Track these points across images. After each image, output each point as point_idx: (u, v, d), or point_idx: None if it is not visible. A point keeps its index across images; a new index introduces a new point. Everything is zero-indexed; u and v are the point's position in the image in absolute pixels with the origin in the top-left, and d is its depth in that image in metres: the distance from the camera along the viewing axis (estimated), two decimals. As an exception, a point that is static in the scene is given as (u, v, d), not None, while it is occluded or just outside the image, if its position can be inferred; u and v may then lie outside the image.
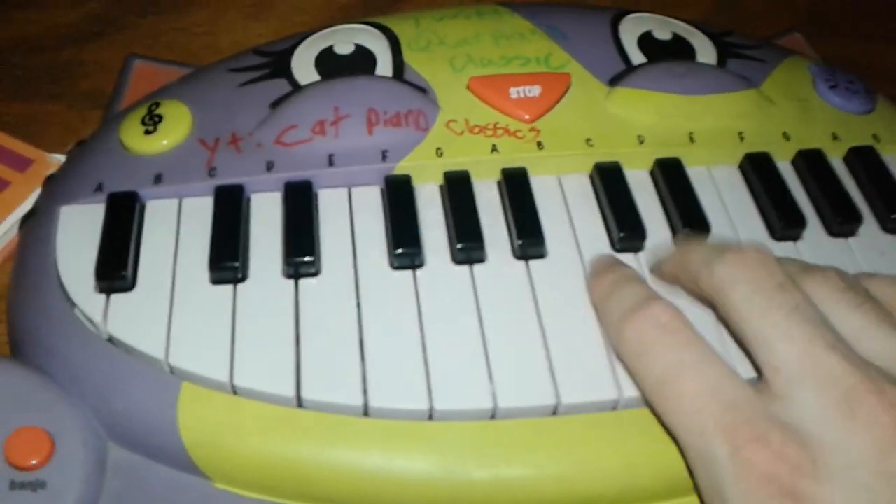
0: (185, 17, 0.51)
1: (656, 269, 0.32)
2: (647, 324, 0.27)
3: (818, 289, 0.27)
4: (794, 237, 0.35)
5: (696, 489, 0.26)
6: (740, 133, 0.37)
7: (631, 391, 0.30)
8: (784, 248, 0.34)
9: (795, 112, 0.39)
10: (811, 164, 0.37)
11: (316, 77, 0.38)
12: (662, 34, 0.42)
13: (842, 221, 0.35)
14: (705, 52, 0.41)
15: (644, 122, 0.37)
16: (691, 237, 0.31)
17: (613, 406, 0.30)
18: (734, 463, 0.24)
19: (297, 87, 0.38)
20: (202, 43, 0.50)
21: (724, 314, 0.27)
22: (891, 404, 0.23)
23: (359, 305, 0.31)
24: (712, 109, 0.38)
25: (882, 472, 0.23)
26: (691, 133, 0.37)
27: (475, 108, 0.37)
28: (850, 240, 0.35)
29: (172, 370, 0.30)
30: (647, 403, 0.27)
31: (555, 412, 0.30)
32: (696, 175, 0.36)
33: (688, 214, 0.34)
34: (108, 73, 0.46)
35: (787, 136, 0.38)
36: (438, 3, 0.46)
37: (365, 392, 0.29)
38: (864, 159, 0.37)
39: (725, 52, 0.42)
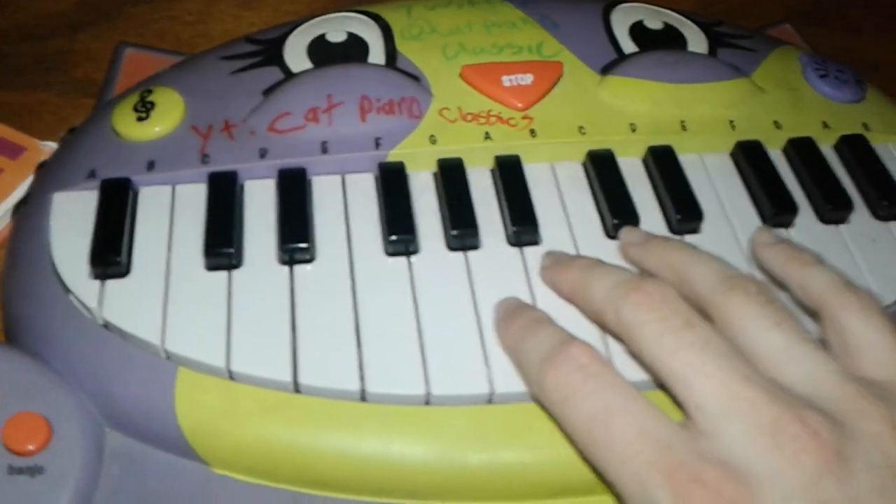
0: (176, 6, 0.51)
1: (550, 277, 0.32)
2: (567, 368, 0.26)
3: (735, 307, 0.27)
4: (786, 224, 0.35)
5: None
6: (731, 121, 0.38)
7: (628, 375, 0.30)
8: (775, 235, 0.35)
9: (786, 101, 0.39)
10: (802, 152, 0.37)
11: (308, 65, 0.38)
12: (654, 24, 0.42)
13: (833, 209, 0.35)
14: (696, 41, 0.42)
15: (636, 110, 0.38)
16: (593, 260, 0.31)
17: (608, 390, 0.30)
18: None
19: (289, 75, 0.38)
20: (193, 31, 0.50)
21: (635, 353, 0.27)
22: (814, 432, 0.23)
23: (354, 291, 0.31)
24: (704, 98, 0.38)
25: (817, 499, 0.23)
26: (683, 121, 0.37)
27: (468, 96, 0.37)
28: (842, 227, 0.35)
29: (169, 355, 0.30)
30: (577, 449, 0.27)
31: (550, 396, 0.30)
32: (689, 163, 0.36)
33: (680, 201, 0.34)
34: (99, 62, 0.46)
35: (778, 125, 0.38)
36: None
37: (362, 377, 0.29)
38: (854, 147, 0.38)
39: (716, 42, 0.42)
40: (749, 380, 0.25)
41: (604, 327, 0.29)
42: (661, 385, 0.27)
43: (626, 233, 0.33)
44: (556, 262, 0.32)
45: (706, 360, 0.25)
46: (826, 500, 0.23)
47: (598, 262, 0.30)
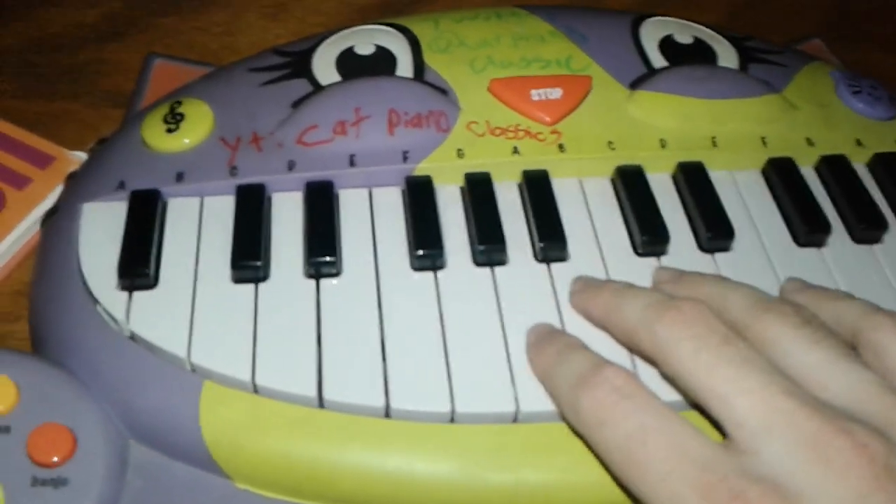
0: (204, 17, 0.51)
1: (581, 303, 0.31)
2: (602, 391, 0.26)
3: (772, 327, 0.27)
4: (819, 243, 0.34)
5: None
6: (763, 138, 0.37)
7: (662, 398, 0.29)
8: (808, 255, 0.34)
9: (818, 117, 0.39)
10: (835, 169, 0.37)
11: (337, 77, 0.38)
12: (684, 38, 0.42)
13: (866, 227, 0.35)
14: (727, 56, 0.41)
15: (666, 125, 0.37)
16: (625, 284, 0.30)
17: (636, 410, 0.30)
18: None
19: (318, 87, 0.38)
20: (221, 43, 0.50)
21: (670, 374, 0.27)
22: (861, 445, 0.23)
23: (380, 306, 0.31)
24: (735, 114, 0.38)
25: None
26: (714, 137, 0.37)
27: (496, 110, 0.37)
28: (875, 246, 0.35)
29: (194, 368, 0.30)
30: (614, 476, 0.26)
31: (577, 416, 0.29)
32: (719, 179, 0.36)
33: (711, 219, 0.34)
34: (128, 73, 0.46)
35: (810, 142, 0.38)
36: (455, 5, 0.46)
37: (386, 393, 0.29)
38: (888, 165, 0.37)
39: (747, 57, 0.41)
40: (790, 393, 0.24)
41: (636, 350, 0.29)
42: (698, 406, 0.26)
43: (657, 273, 0.33)
44: (586, 287, 0.31)
45: (745, 376, 0.25)
46: None
47: (630, 285, 0.30)
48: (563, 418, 0.28)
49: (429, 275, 0.32)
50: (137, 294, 0.31)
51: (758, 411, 0.24)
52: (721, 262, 0.33)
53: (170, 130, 0.36)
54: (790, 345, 0.26)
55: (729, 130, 0.37)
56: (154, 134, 0.36)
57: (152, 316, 0.30)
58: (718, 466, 0.23)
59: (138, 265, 0.31)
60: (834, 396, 0.25)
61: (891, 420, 0.24)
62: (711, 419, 0.26)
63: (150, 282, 0.31)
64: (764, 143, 0.37)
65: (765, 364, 0.25)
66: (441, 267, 0.33)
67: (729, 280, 0.30)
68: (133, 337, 0.30)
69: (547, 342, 0.29)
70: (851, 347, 0.27)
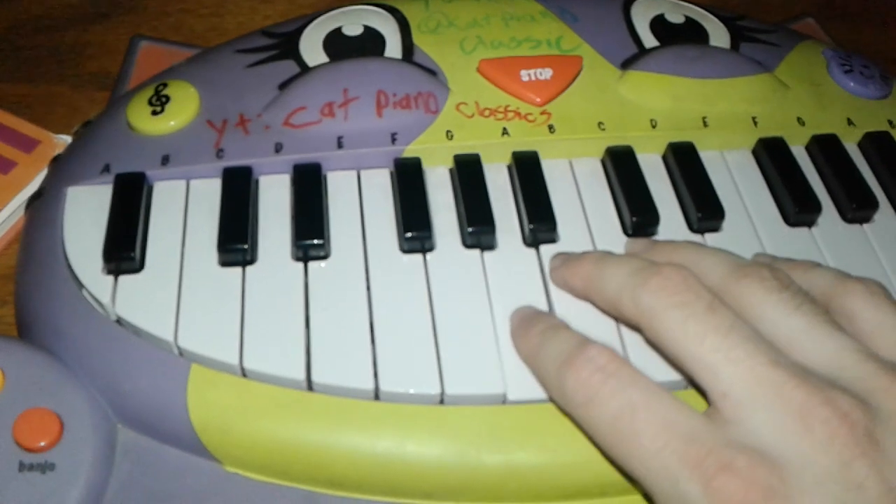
0: (191, -1, 0.50)
1: (561, 276, 0.31)
2: (587, 370, 0.26)
3: (753, 292, 0.27)
4: (809, 223, 0.34)
5: None
6: (754, 117, 0.37)
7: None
8: (798, 234, 0.34)
9: (810, 97, 0.39)
10: (826, 149, 0.37)
11: (324, 58, 0.38)
12: (675, 17, 0.41)
13: (857, 207, 0.34)
14: (718, 35, 0.41)
15: (657, 105, 0.37)
16: (604, 252, 0.30)
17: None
18: (708, 496, 0.23)
19: (305, 69, 0.37)
20: (208, 24, 0.49)
21: (654, 340, 0.27)
22: (844, 414, 0.23)
23: (369, 289, 0.31)
24: (726, 93, 0.37)
25: (850, 481, 0.22)
26: (704, 117, 0.37)
27: (486, 91, 0.37)
28: (866, 226, 0.34)
29: (181, 352, 0.29)
30: (604, 453, 0.26)
31: (566, 397, 0.29)
32: (710, 159, 0.36)
33: (701, 199, 0.34)
34: (113, 55, 0.46)
35: (801, 121, 0.37)
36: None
37: (375, 376, 0.29)
38: (879, 145, 0.37)
39: (739, 36, 0.41)
40: (776, 364, 0.24)
41: (621, 318, 0.29)
42: (683, 372, 0.26)
43: (630, 243, 0.32)
44: (565, 261, 0.31)
45: (732, 345, 0.25)
46: (859, 481, 0.22)
47: (609, 254, 0.30)
48: (551, 399, 0.28)
49: (418, 257, 0.32)
50: (123, 278, 0.31)
51: (744, 381, 0.24)
52: (711, 243, 0.33)
53: (155, 113, 0.35)
54: (770, 310, 0.26)
55: (720, 110, 0.37)
56: (139, 117, 0.35)
57: (138, 300, 0.30)
58: (705, 438, 0.24)
59: (123, 249, 0.31)
60: (814, 363, 0.25)
61: (871, 387, 0.24)
62: (696, 386, 0.26)
63: (135, 265, 0.31)
64: (755, 122, 0.37)
65: (750, 332, 0.25)
66: (430, 249, 0.32)
67: (703, 245, 0.30)
68: (119, 321, 0.30)
69: (530, 324, 0.29)
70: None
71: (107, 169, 0.34)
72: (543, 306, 0.31)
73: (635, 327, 0.28)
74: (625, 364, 0.26)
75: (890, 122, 0.38)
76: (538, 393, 0.29)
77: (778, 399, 0.24)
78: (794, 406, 0.23)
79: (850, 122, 0.38)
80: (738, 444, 0.24)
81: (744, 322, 0.25)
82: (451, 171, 0.35)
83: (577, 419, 0.27)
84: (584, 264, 0.30)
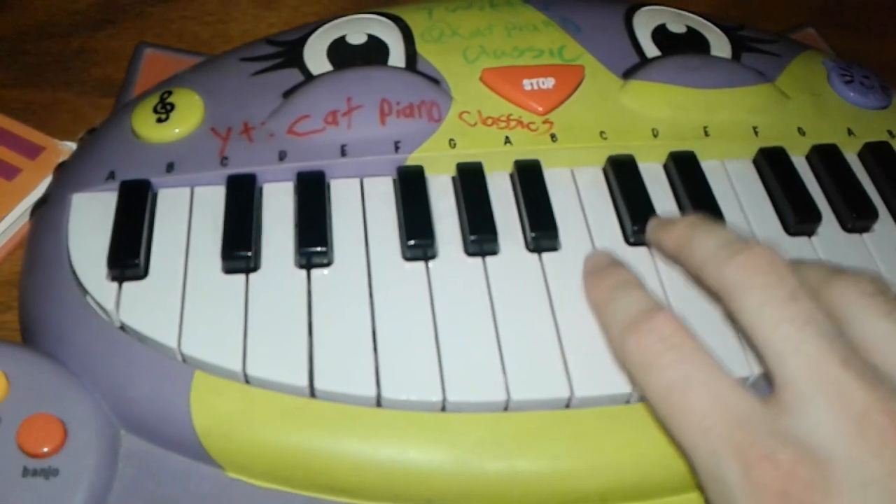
0: (195, 6, 0.51)
1: (656, 237, 0.31)
2: (650, 338, 0.26)
3: (845, 292, 0.26)
4: (809, 232, 0.34)
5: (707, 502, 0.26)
6: (755, 127, 0.37)
7: None
8: (798, 244, 0.34)
9: (810, 107, 0.39)
10: (826, 159, 0.37)
11: (328, 67, 0.38)
12: (676, 27, 0.42)
13: (857, 217, 0.35)
14: (719, 45, 0.41)
15: (658, 115, 0.37)
16: (701, 218, 0.30)
17: (626, 399, 0.30)
18: (745, 483, 0.23)
19: (309, 77, 0.38)
20: (213, 31, 0.50)
21: (732, 314, 0.27)
22: None
23: (371, 296, 0.31)
24: (727, 103, 0.37)
25: (892, 491, 0.22)
26: (706, 127, 0.37)
27: (488, 100, 0.37)
28: (865, 236, 0.35)
29: (185, 359, 0.30)
30: (654, 414, 0.27)
31: (568, 405, 0.30)
32: (710, 169, 0.36)
33: (702, 208, 0.34)
34: (118, 61, 0.46)
35: (801, 131, 0.38)
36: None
37: (378, 383, 0.29)
38: (879, 155, 0.37)
39: (740, 46, 0.41)
40: (846, 364, 0.24)
41: (703, 285, 0.29)
42: (754, 350, 0.26)
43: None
44: (662, 223, 0.31)
45: (805, 338, 0.25)
46: None
47: (706, 220, 0.30)
48: (611, 351, 0.29)
49: (420, 265, 0.32)
50: (127, 284, 0.31)
51: (808, 375, 0.24)
52: (712, 252, 0.33)
53: (160, 120, 0.35)
54: (860, 312, 0.26)
55: (721, 120, 0.37)
56: (144, 124, 0.35)
57: (142, 306, 0.30)
58: (755, 424, 0.24)
59: (128, 255, 0.31)
60: (893, 370, 0.25)
61: None
62: (764, 368, 0.26)
63: (139, 272, 0.31)
64: (756, 132, 0.37)
65: (828, 328, 0.25)
66: (432, 257, 0.33)
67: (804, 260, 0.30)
68: (123, 327, 0.30)
69: (604, 275, 0.30)
70: None
71: (112, 176, 0.34)
72: (546, 314, 0.31)
73: (716, 298, 0.28)
74: (689, 338, 0.26)
75: (890, 133, 0.38)
76: (540, 393, 0.29)
77: (839, 399, 0.24)
78: (854, 409, 0.23)
79: (850, 132, 0.38)
80: (787, 435, 0.24)
81: (825, 317, 0.25)
82: (453, 179, 0.35)
83: (633, 380, 0.27)
84: (677, 227, 0.30)
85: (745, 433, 0.24)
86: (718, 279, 0.27)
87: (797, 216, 0.34)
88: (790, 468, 0.23)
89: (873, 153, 0.37)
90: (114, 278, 0.31)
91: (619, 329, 0.27)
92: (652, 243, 0.32)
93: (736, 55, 0.41)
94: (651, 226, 0.32)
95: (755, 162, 0.37)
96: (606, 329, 0.29)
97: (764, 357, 0.25)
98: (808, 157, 0.37)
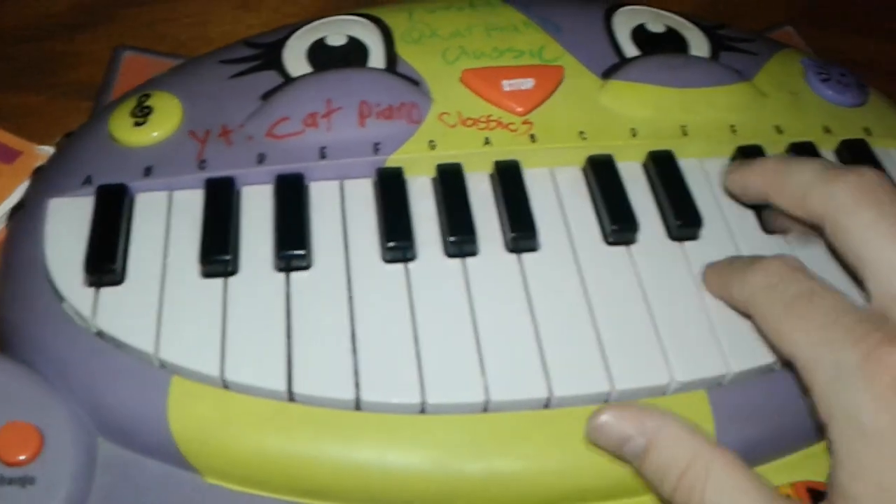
0: (175, 8, 0.50)
1: (741, 177, 0.32)
2: (774, 266, 0.27)
3: None
4: (785, 231, 0.34)
5: (814, 412, 0.26)
6: (732, 126, 0.37)
7: (622, 384, 0.30)
8: (776, 242, 0.34)
9: (787, 105, 0.39)
10: (803, 156, 0.37)
11: (308, 69, 0.38)
12: (656, 27, 0.42)
13: (834, 215, 0.35)
14: (698, 44, 0.41)
15: (637, 114, 0.37)
16: (781, 156, 0.31)
17: (605, 399, 0.30)
18: (867, 364, 0.24)
19: (288, 79, 0.37)
20: (192, 34, 0.49)
21: (836, 237, 0.27)
22: None
23: (350, 299, 0.31)
24: (705, 102, 0.38)
25: None
26: (684, 126, 0.37)
27: (468, 101, 0.37)
28: (842, 233, 0.35)
29: (162, 364, 0.29)
30: (769, 336, 0.27)
31: (547, 405, 0.30)
32: (689, 168, 0.36)
33: (679, 207, 0.34)
34: (97, 65, 0.46)
35: (779, 129, 0.38)
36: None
37: (357, 386, 0.29)
38: (855, 152, 0.37)
39: (718, 45, 0.41)
40: None
41: (803, 214, 0.29)
42: (854, 272, 0.27)
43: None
44: (744, 163, 0.32)
45: None
46: None
47: (793, 157, 0.30)
48: (733, 295, 0.29)
49: (400, 267, 0.32)
50: (104, 290, 0.31)
51: None
52: (689, 251, 0.33)
53: (137, 124, 0.35)
54: None
55: (699, 119, 0.37)
56: (121, 128, 0.35)
57: (119, 312, 0.30)
58: (877, 321, 0.25)
59: (105, 261, 0.31)
60: None
61: None
62: (865, 285, 0.26)
63: (116, 277, 0.31)
64: (734, 131, 0.37)
65: None
66: (412, 259, 0.33)
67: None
68: (100, 333, 0.30)
69: (720, 263, 0.31)
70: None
71: (88, 181, 0.34)
72: (525, 314, 0.31)
73: (817, 225, 0.28)
74: (810, 271, 0.27)
75: (866, 130, 0.39)
76: (519, 393, 0.29)
77: None
78: None
79: (826, 129, 0.38)
80: None
81: None
82: (433, 180, 0.35)
83: (755, 305, 0.28)
84: (767, 163, 0.31)
85: (864, 326, 0.24)
86: (825, 201, 0.27)
87: (773, 214, 0.34)
88: None
89: (850, 150, 0.38)
90: (90, 284, 0.31)
91: (743, 268, 0.28)
92: (734, 185, 0.32)
93: (714, 54, 0.41)
94: (731, 169, 0.32)
95: (733, 160, 0.37)
96: (728, 280, 0.30)
97: (871, 274, 0.26)
98: (786, 156, 0.38)
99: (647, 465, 0.26)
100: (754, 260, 0.28)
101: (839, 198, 0.27)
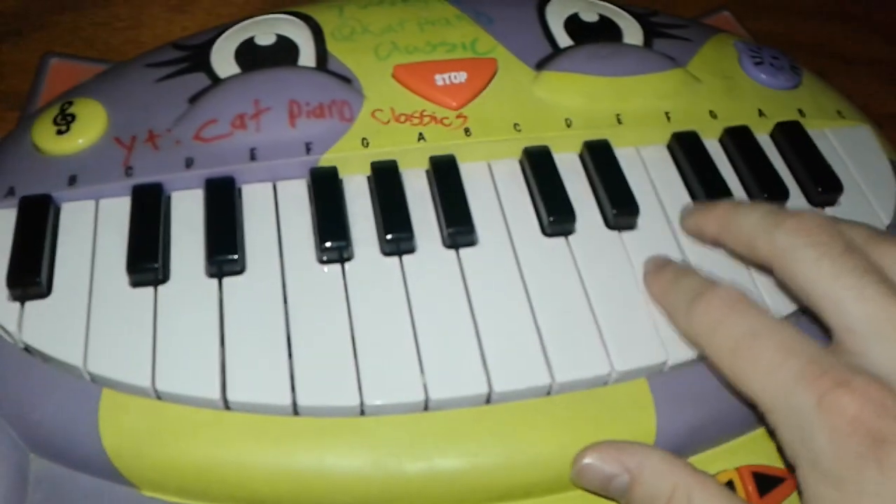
0: (105, 12, 0.49)
1: (696, 222, 0.33)
2: (716, 303, 0.28)
3: (889, 251, 0.28)
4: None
5: (781, 452, 0.26)
6: (667, 113, 0.37)
7: (563, 376, 0.29)
8: (712, 226, 0.34)
9: (722, 90, 0.39)
10: (738, 141, 0.37)
11: (236, 70, 0.37)
12: (589, 16, 0.42)
13: (769, 197, 0.35)
14: (632, 32, 0.41)
15: (571, 105, 0.37)
16: (731, 201, 0.32)
17: (547, 391, 0.30)
18: (821, 410, 0.24)
19: (216, 81, 0.37)
20: (124, 38, 0.48)
21: (786, 280, 0.28)
22: None
23: (286, 302, 0.31)
24: (639, 90, 0.38)
25: None
26: (618, 114, 0.37)
27: (401, 97, 0.37)
28: (779, 214, 0.35)
29: (92, 377, 0.29)
30: (725, 378, 0.28)
31: (488, 400, 0.29)
32: (625, 156, 0.36)
33: (616, 196, 0.34)
34: (25, 73, 0.44)
35: (713, 115, 0.38)
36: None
37: (293, 390, 0.29)
38: (789, 134, 0.38)
39: (652, 32, 0.41)
40: None
41: (753, 258, 0.30)
42: (809, 310, 0.28)
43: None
44: (698, 208, 0.33)
45: (865, 285, 0.26)
46: None
47: (743, 201, 0.31)
48: (679, 329, 0.30)
49: (336, 267, 0.32)
50: (30, 304, 0.30)
51: (871, 317, 0.25)
52: (627, 240, 0.33)
53: (60, 132, 0.34)
54: None
55: (633, 107, 0.37)
56: (44, 137, 0.34)
57: (46, 326, 0.29)
58: (825, 361, 0.25)
59: (28, 274, 0.30)
60: None
61: None
62: (823, 323, 0.27)
63: (42, 290, 0.30)
64: (668, 117, 0.37)
65: (883, 276, 0.26)
66: (349, 258, 0.32)
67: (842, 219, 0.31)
68: (27, 348, 0.29)
69: (663, 267, 0.31)
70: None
71: (11, 192, 0.33)
72: (464, 310, 0.31)
73: (768, 269, 0.29)
74: (753, 303, 0.28)
75: (800, 112, 0.39)
76: (459, 390, 0.29)
77: None
78: None
79: (761, 113, 0.38)
80: (856, 368, 0.25)
81: (877, 268, 0.27)
82: (368, 178, 0.35)
83: (702, 348, 0.28)
84: (717, 209, 0.31)
85: (815, 366, 0.25)
86: (771, 246, 0.28)
87: (710, 198, 0.34)
88: (863, 391, 0.24)
89: (784, 132, 0.38)
90: (15, 298, 0.30)
91: (686, 302, 0.29)
92: (690, 229, 0.33)
93: (648, 41, 0.41)
94: (687, 213, 0.33)
95: (669, 147, 0.37)
96: (672, 310, 0.30)
97: (822, 309, 0.27)
98: (720, 140, 0.38)
99: (633, 499, 0.27)
100: (694, 295, 0.29)
101: (780, 241, 0.28)
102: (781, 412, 0.25)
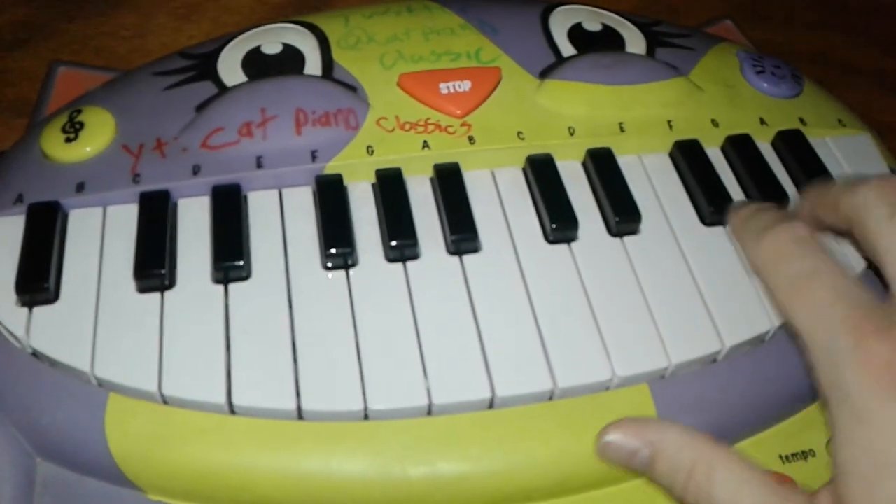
0: (112, 21, 0.50)
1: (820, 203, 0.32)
2: (784, 236, 0.28)
3: None
4: (724, 222, 0.35)
5: (817, 387, 0.26)
6: (669, 121, 0.38)
7: (565, 381, 0.30)
8: (714, 234, 0.35)
9: (724, 98, 0.39)
10: (739, 149, 0.37)
11: (243, 78, 0.38)
12: (592, 25, 0.42)
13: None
14: (634, 42, 0.42)
15: (574, 113, 0.37)
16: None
17: (549, 396, 0.30)
18: (856, 353, 0.24)
19: (223, 89, 0.37)
20: (131, 46, 0.49)
21: (860, 235, 0.29)
22: None
23: (291, 308, 0.31)
24: (641, 99, 0.38)
25: None
26: (621, 123, 0.37)
27: (406, 105, 0.37)
28: (778, 222, 0.35)
29: (99, 382, 0.29)
30: (778, 309, 0.28)
31: (491, 405, 0.30)
32: (627, 164, 0.36)
33: (618, 203, 0.34)
34: (33, 82, 0.45)
35: (715, 123, 0.38)
36: (370, 1, 0.46)
37: (298, 395, 0.29)
38: (790, 143, 0.38)
39: (654, 42, 0.42)
40: None
41: (835, 221, 0.30)
42: (878, 267, 0.28)
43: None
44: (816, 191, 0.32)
45: None
46: None
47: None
48: (747, 258, 0.30)
49: (340, 273, 0.32)
50: (38, 309, 0.30)
51: None
52: (629, 245, 0.34)
53: (69, 140, 0.35)
54: None
55: (636, 115, 0.38)
56: (53, 144, 0.35)
57: (54, 331, 0.30)
58: (872, 310, 0.25)
59: (37, 279, 0.30)
60: None
61: None
62: (884, 277, 0.27)
63: (50, 296, 0.31)
64: (670, 126, 0.38)
65: None
66: (353, 265, 0.32)
67: None
68: (35, 353, 0.30)
69: (747, 204, 0.32)
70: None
71: (20, 199, 0.33)
72: (467, 316, 0.31)
73: (846, 230, 0.29)
74: (819, 242, 0.28)
75: (801, 120, 0.39)
76: (462, 395, 0.29)
77: None
78: None
79: (762, 121, 0.39)
80: None
81: None
82: (373, 186, 0.35)
83: (763, 277, 0.29)
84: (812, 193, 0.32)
85: (862, 313, 0.25)
86: (851, 202, 0.29)
87: (711, 206, 0.35)
88: None
89: (785, 141, 0.38)
90: (23, 304, 0.30)
91: (757, 232, 0.29)
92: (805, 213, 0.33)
93: (650, 51, 0.41)
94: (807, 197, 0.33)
95: (671, 155, 0.38)
96: (743, 240, 0.31)
97: (883, 265, 0.27)
98: (722, 148, 0.38)
99: (655, 473, 0.28)
100: (767, 226, 0.29)
101: (861, 197, 0.28)
102: (821, 350, 0.26)
